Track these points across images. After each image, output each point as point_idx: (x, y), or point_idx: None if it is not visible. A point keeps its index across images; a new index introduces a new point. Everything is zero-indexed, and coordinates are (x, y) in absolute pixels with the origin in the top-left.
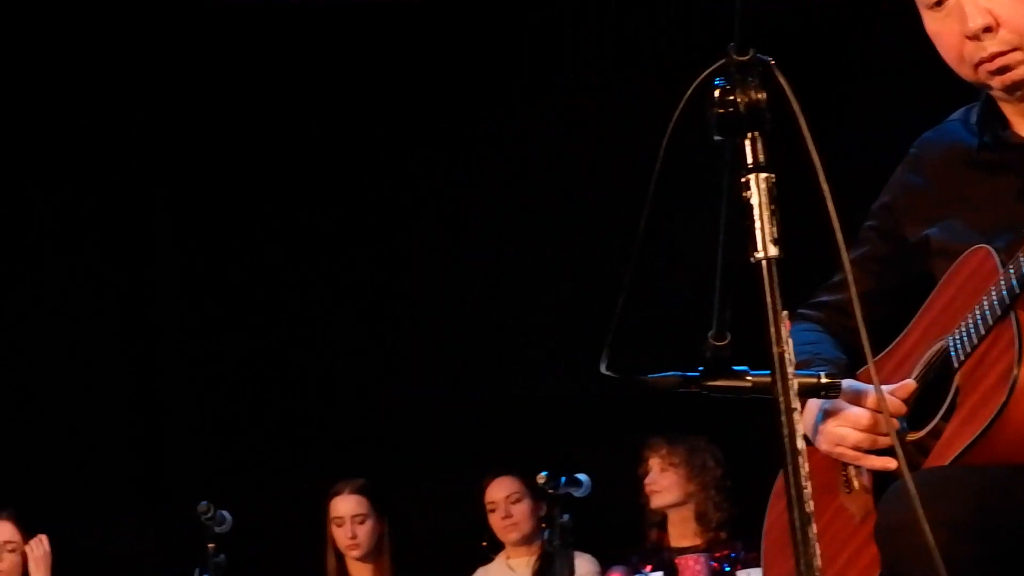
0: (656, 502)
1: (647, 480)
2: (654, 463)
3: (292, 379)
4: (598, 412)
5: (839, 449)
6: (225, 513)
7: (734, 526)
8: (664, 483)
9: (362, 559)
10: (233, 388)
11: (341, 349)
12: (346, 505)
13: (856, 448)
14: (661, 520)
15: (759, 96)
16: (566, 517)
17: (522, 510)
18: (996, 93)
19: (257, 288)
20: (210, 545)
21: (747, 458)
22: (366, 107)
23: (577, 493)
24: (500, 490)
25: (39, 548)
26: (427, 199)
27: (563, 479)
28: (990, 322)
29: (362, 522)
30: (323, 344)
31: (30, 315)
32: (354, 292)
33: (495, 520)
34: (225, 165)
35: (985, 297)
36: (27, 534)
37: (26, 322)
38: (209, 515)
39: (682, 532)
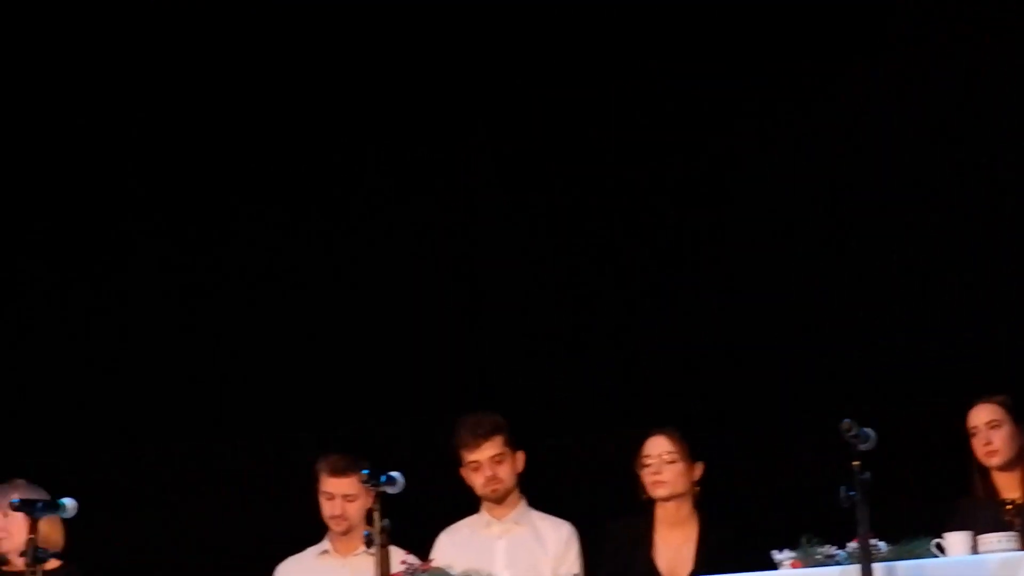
0: None
1: None
2: None
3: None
4: None
5: None
6: (869, 431)
7: None
8: None
9: (1001, 468)
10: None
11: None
12: (981, 414)
13: None
14: None
15: None
16: None
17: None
18: None
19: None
20: (855, 463)
21: None
22: None
23: None
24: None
25: None
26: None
27: None
28: None
29: (997, 427)
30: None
31: None
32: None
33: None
34: None
35: None
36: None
37: None
38: (853, 433)
39: None
